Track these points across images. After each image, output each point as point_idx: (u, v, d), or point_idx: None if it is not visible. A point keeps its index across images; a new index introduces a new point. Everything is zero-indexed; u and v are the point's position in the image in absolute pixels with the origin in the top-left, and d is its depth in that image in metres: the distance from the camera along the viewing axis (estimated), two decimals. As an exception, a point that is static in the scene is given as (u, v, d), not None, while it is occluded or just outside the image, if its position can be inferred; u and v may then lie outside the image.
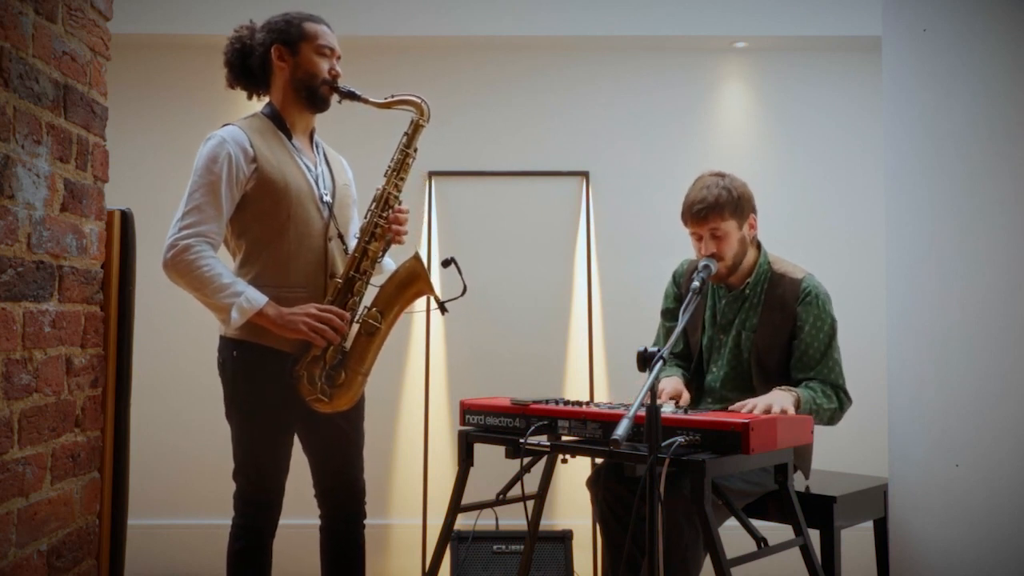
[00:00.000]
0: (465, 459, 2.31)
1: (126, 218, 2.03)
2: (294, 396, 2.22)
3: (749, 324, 2.45)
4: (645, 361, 1.83)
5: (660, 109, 3.87)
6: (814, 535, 2.25)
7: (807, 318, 2.40)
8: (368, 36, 3.67)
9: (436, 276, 2.34)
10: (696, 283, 2.14)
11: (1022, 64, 2.13)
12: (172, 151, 3.79)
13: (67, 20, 1.83)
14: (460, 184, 3.83)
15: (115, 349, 1.99)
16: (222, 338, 2.27)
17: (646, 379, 1.79)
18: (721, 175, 2.47)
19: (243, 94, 2.40)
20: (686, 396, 2.42)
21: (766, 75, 3.90)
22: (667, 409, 2.08)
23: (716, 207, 2.39)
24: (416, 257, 2.30)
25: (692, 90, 3.89)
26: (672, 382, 2.46)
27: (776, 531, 2.13)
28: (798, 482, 2.47)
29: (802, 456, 2.46)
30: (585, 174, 3.83)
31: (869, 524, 2.60)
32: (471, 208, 3.83)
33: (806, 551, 2.08)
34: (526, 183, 3.84)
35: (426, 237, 3.78)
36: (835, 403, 2.38)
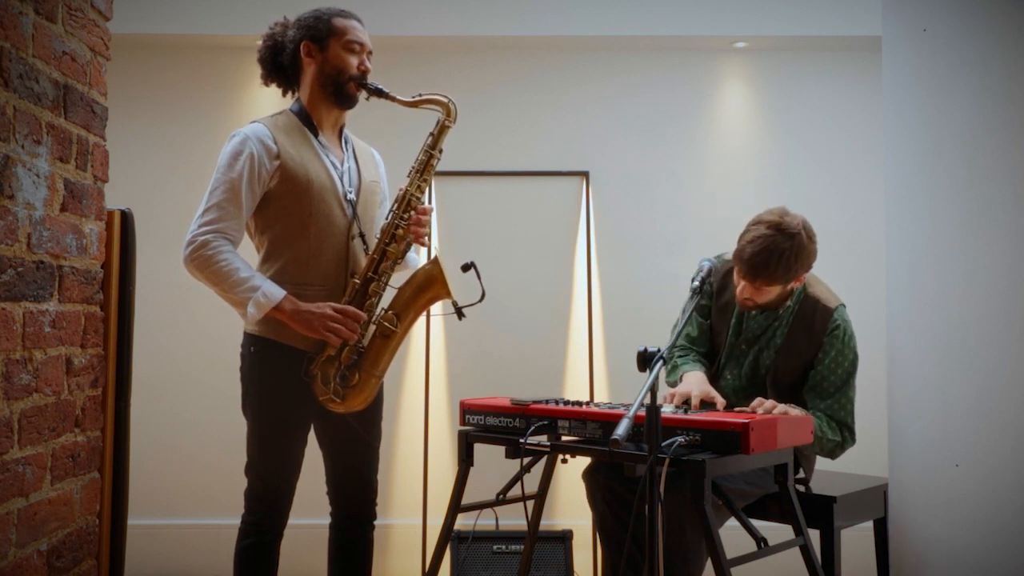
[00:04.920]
0: (465, 459, 2.31)
1: (126, 218, 2.03)
2: (309, 394, 2.22)
3: (773, 343, 2.44)
4: (645, 361, 1.83)
5: (660, 109, 3.87)
6: (814, 535, 2.24)
7: (829, 351, 2.37)
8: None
9: (453, 280, 2.31)
10: (696, 283, 2.13)
11: (1022, 64, 2.13)
12: (172, 151, 3.79)
13: (67, 20, 1.83)
14: (460, 184, 3.83)
15: (115, 349, 1.99)
16: (244, 334, 2.29)
17: (646, 379, 1.79)
18: (790, 235, 2.25)
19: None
20: (720, 401, 2.28)
21: (766, 75, 3.90)
22: (667, 409, 2.08)
23: (768, 276, 2.27)
24: (435, 261, 2.28)
25: (692, 90, 3.89)
26: (698, 379, 2.40)
27: (776, 531, 2.13)
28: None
29: (807, 460, 2.46)
30: (585, 174, 3.83)
31: (869, 524, 2.60)
32: (471, 208, 3.83)
33: (806, 551, 2.09)
34: (526, 183, 3.83)
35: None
36: (838, 438, 2.37)
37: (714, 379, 2.54)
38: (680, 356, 2.60)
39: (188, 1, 3.65)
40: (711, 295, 2.57)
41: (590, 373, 3.74)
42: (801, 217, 2.33)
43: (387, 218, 2.30)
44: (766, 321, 2.45)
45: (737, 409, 2.22)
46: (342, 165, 2.33)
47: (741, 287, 2.36)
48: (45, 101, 1.74)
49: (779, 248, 2.25)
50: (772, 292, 2.35)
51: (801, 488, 2.44)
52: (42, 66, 1.73)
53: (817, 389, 2.40)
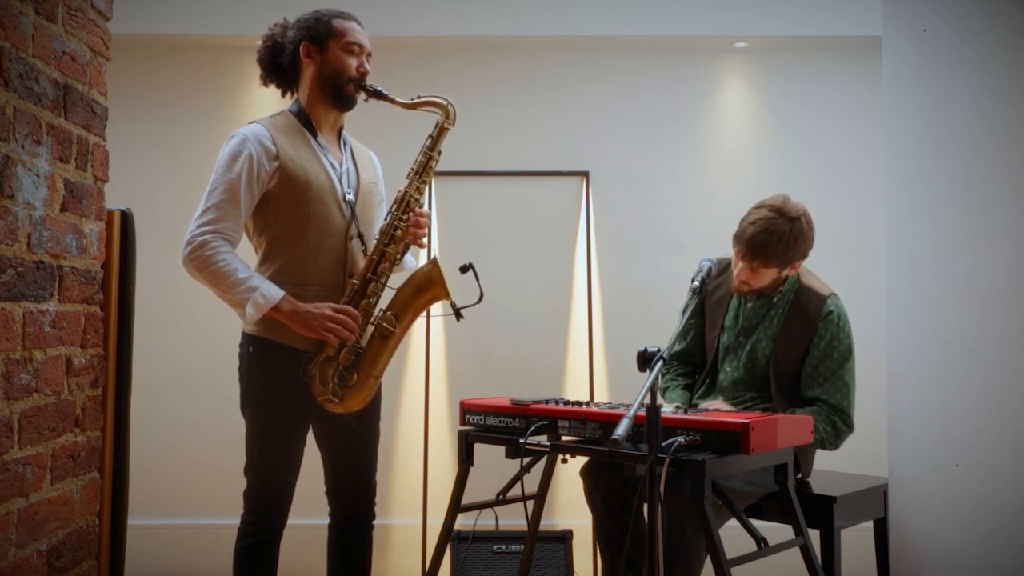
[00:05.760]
0: (465, 459, 2.31)
1: (126, 218, 2.03)
2: (308, 394, 2.22)
3: (770, 332, 2.46)
4: (645, 361, 1.83)
5: (660, 109, 3.87)
6: (814, 535, 2.25)
7: (824, 335, 2.40)
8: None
9: (451, 281, 2.32)
10: (696, 283, 2.14)
11: (1022, 64, 2.13)
12: (172, 151, 3.79)
13: (67, 20, 1.83)
14: (460, 184, 3.83)
15: (115, 349, 1.99)
16: (242, 334, 2.29)
17: (646, 379, 1.79)
18: (791, 218, 2.35)
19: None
20: None
21: (766, 75, 3.90)
22: (667, 409, 2.08)
23: (766, 256, 2.34)
24: (434, 262, 2.28)
25: (692, 90, 3.89)
26: None
27: (776, 531, 2.13)
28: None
29: (804, 456, 2.46)
30: (585, 174, 3.83)
31: (869, 524, 2.60)
32: (471, 208, 3.83)
33: (806, 551, 2.09)
34: (526, 183, 3.83)
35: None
36: (829, 427, 2.37)
37: (712, 376, 2.56)
38: (670, 378, 2.63)
39: (188, 1, 3.65)
40: (705, 293, 2.60)
41: (590, 373, 3.74)
42: (803, 205, 2.41)
43: (386, 219, 2.30)
44: (762, 309, 2.48)
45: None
46: (341, 166, 2.33)
47: (739, 269, 2.41)
48: (45, 101, 1.74)
49: (779, 230, 2.33)
50: (767, 276, 2.39)
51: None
52: (42, 66, 1.73)
53: (813, 375, 2.42)
